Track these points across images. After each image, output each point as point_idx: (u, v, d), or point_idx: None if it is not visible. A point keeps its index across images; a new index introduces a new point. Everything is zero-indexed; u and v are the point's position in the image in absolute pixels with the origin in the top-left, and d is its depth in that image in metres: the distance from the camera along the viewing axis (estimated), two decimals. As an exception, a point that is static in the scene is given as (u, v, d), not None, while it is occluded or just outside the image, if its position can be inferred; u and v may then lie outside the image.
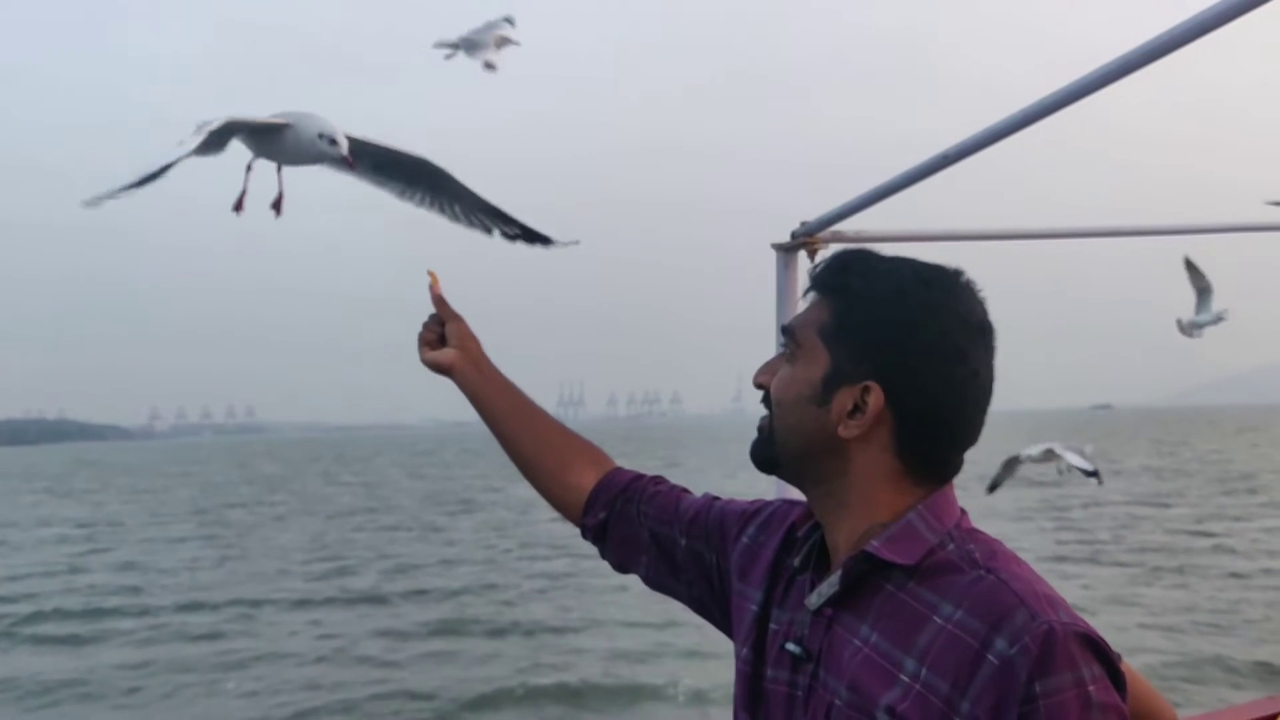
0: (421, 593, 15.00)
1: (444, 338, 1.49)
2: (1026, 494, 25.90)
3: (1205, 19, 1.21)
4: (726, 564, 1.28)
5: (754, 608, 1.19)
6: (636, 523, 1.38)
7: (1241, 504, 23.11)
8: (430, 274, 1.49)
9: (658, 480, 1.43)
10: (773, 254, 1.96)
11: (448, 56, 3.12)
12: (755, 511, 1.30)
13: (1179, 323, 4.82)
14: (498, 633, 12.35)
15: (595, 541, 1.42)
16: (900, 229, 1.98)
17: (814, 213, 1.95)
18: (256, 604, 14.40)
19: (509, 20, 3.09)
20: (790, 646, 1.12)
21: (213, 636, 12.36)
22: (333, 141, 1.58)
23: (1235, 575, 14.45)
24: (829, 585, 1.08)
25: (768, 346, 1.84)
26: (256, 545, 21.65)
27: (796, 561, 1.16)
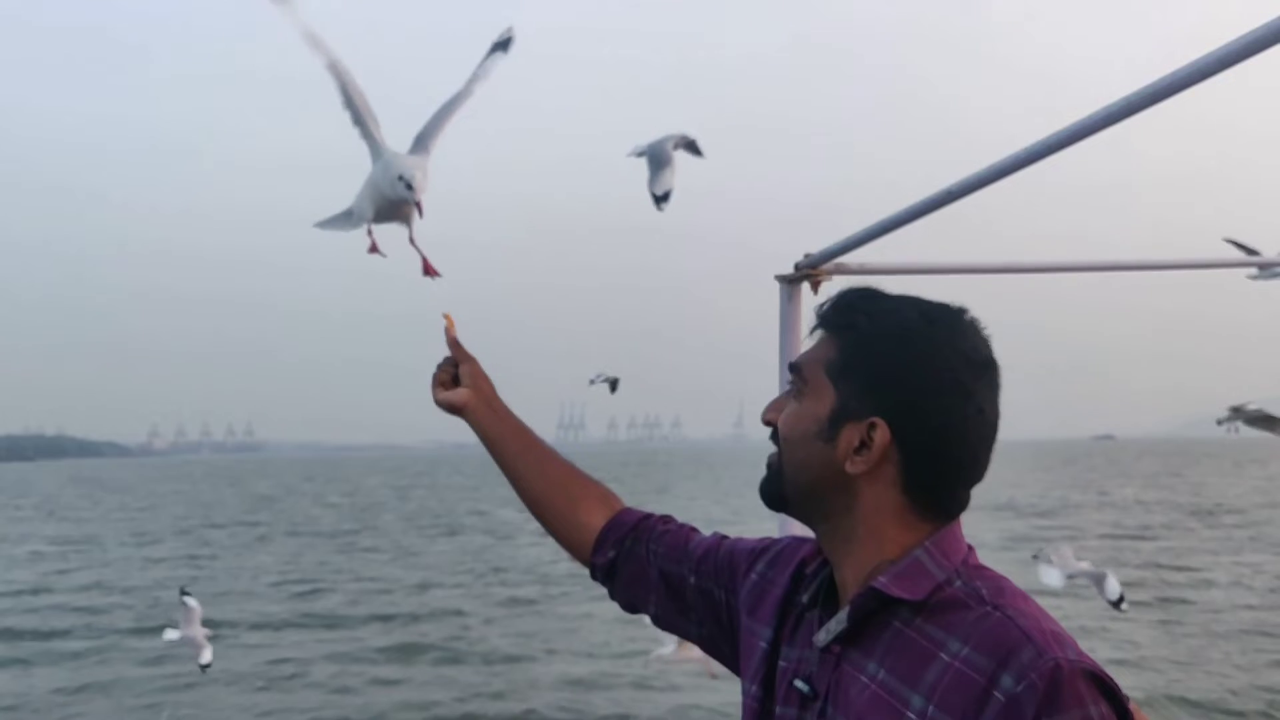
0: (385, 618, 14.83)
1: (457, 378, 1.50)
2: (1013, 524, 25.73)
3: (1208, 63, 1.17)
4: (736, 601, 1.29)
5: (763, 645, 1.20)
6: (645, 561, 1.38)
7: (1222, 538, 22.92)
8: (446, 317, 1.51)
9: (666, 519, 1.43)
10: (776, 285, 1.99)
11: (638, 155, 3.29)
12: (765, 549, 1.30)
13: (1218, 421, 4.90)
14: (453, 659, 12.18)
15: (604, 581, 1.42)
16: (904, 262, 1.99)
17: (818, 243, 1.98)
18: (215, 626, 14.13)
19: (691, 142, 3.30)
20: (799, 684, 1.12)
21: (162, 660, 12.16)
22: (409, 186, 1.61)
23: (1209, 611, 14.28)
24: (837, 622, 1.09)
25: (770, 374, 1.88)
26: (231, 566, 21.49)
27: (805, 598, 1.17)
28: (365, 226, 1.73)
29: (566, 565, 21.06)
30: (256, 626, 14.05)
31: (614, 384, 6.92)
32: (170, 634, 6.44)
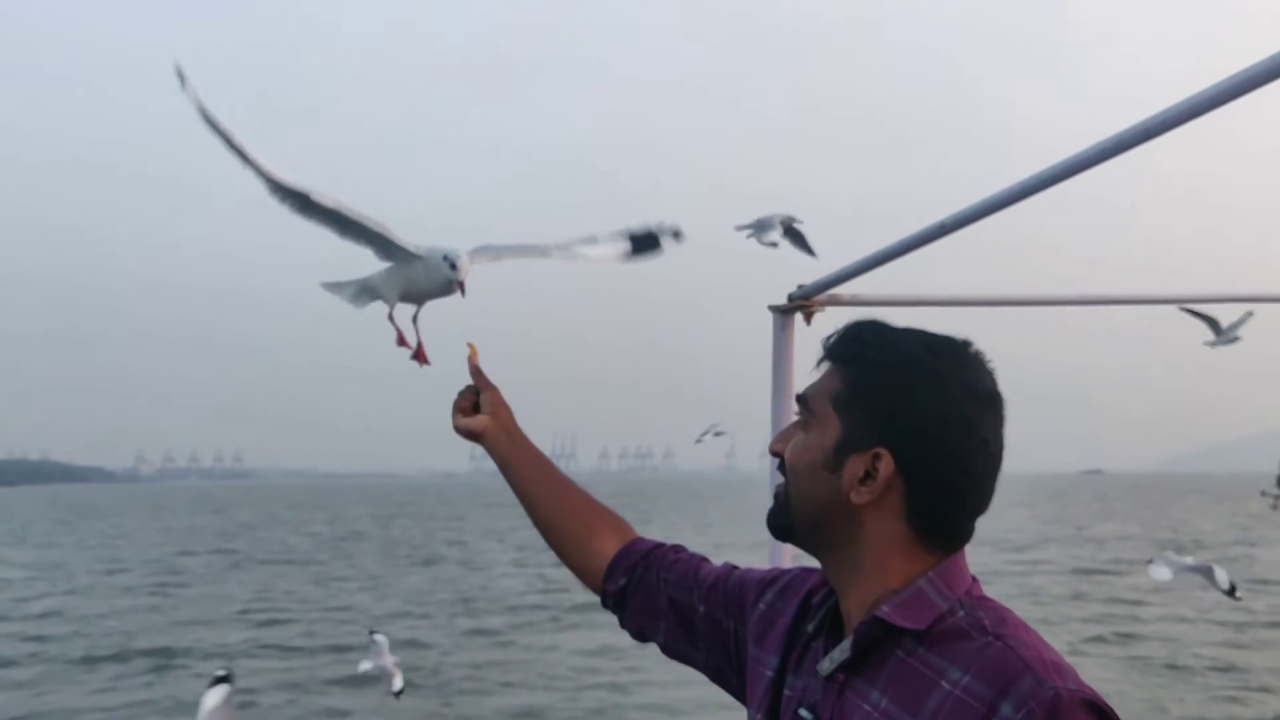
0: (341, 648, 14.68)
1: (478, 406, 1.52)
2: (988, 559, 25.66)
3: (1198, 101, 1.16)
4: (744, 631, 1.29)
5: (769, 673, 1.21)
6: (656, 590, 1.39)
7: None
8: (470, 345, 1.53)
9: (677, 549, 1.44)
10: (769, 315, 1.99)
11: (748, 237, 4.07)
12: (774, 579, 1.31)
13: (1262, 493, 5.43)
14: (404, 690, 12.07)
15: (615, 609, 1.43)
16: (897, 293, 2.01)
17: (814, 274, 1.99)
18: (170, 654, 14.11)
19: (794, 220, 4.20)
20: (803, 713, 1.13)
21: (109, 690, 12.05)
22: (454, 265, 1.58)
23: (1171, 647, 14.27)
24: (841, 651, 1.10)
25: (763, 405, 1.90)
26: (198, 594, 21.30)
27: (811, 627, 1.18)
28: (388, 313, 1.66)
29: (536, 597, 21.01)
30: (210, 656, 13.91)
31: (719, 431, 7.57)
32: (364, 665, 7.28)
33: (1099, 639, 14.74)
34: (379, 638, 7.14)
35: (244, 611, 18.34)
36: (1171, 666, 12.79)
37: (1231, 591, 7.39)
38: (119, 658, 13.81)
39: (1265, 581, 21.30)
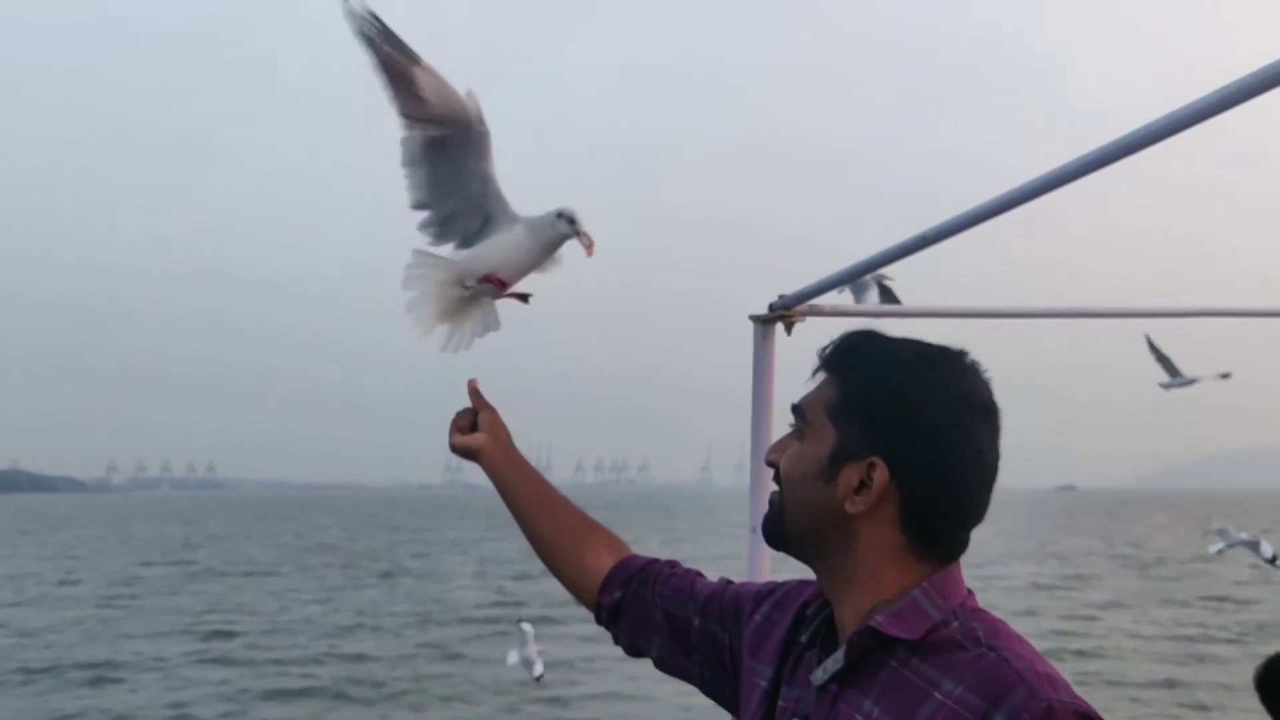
0: (283, 660, 14.54)
1: (475, 425, 1.54)
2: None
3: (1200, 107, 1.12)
4: (739, 643, 1.30)
5: (764, 684, 1.21)
6: (651, 603, 1.39)
7: (1150, 590, 23.14)
8: (470, 382, 1.58)
9: (672, 564, 1.45)
10: (750, 325, 2.00)
11: (839, 292, 4.18)
12: (770, 591, 1.32)
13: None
14: (340, 703, 11.96)
15: (609, 623, 1.43)
16: (878, 304, 2.04)
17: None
18: (114, 666, 13.95)
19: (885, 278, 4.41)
20: None
21: (39, 704, 11.83)
22: (572, 220, 1.55)
23: (1119, 658, 14.35)
24: (834, 661, 1.10)
25: (743, 416, 1.90)
26: (149, 606, 21.04)
27: (805, 638, 1.18)
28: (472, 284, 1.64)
29: (491, 610, 20.86)
30: (148, 670, 13.73)
31: None
32: (512, 658, 7.71)
33: (1046, 654, 14.78)
34: (526, 626, 7.51)
35: (192, 624, 18.12)
36: (1112, 683, 12.83)
37: (1273, 560, 8.77)
38: (54, 671, 13.58)
39: (1222, 598, 21.55)
